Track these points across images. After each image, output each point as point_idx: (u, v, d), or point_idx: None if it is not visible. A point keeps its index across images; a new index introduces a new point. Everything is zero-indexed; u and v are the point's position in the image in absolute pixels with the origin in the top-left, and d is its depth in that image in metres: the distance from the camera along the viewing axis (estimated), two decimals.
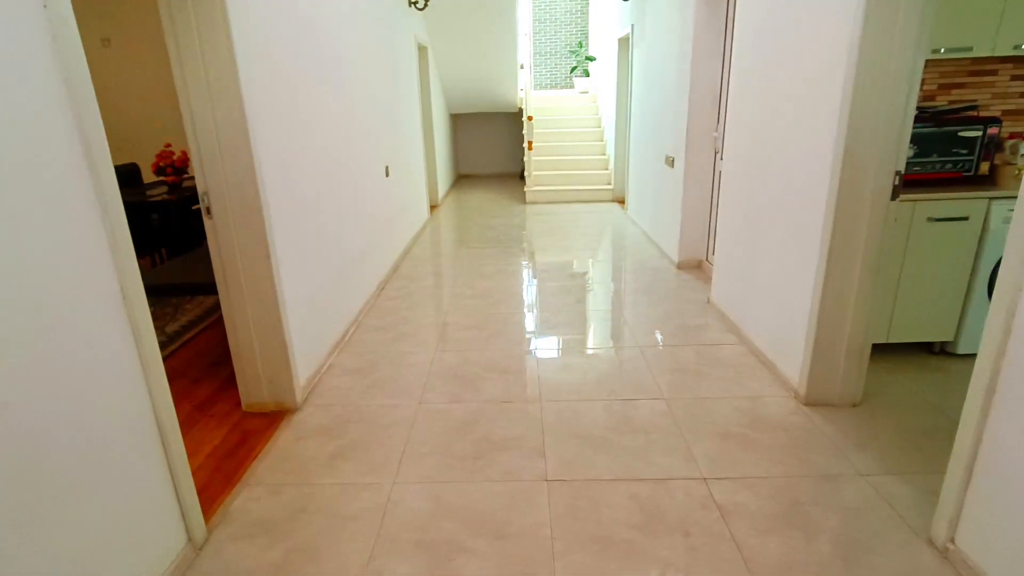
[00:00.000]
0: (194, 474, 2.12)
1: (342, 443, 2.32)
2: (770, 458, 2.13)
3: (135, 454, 1.54)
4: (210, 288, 2.74)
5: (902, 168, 2.12)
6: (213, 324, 3.64)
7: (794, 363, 2.55)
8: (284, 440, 2.36)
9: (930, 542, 1.71)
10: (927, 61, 2.39)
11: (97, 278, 1.41)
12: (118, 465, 1.46)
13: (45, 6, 1.26)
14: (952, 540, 1.64)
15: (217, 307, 3.91)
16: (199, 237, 4.59)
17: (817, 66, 2.30)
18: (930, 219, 2.57)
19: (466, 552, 1.73)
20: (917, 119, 2.44)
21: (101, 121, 1.42)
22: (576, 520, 1.85)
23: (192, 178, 4.89)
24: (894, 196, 2.15)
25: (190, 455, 2.27)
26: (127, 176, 5.17)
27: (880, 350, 2.82)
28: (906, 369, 2.74)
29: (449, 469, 2.13)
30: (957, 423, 1.62)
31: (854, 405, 2.44)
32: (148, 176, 5.36)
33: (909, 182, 2.61)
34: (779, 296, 2.70)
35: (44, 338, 1.24)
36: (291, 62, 2.66)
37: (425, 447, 2.28)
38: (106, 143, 1.43)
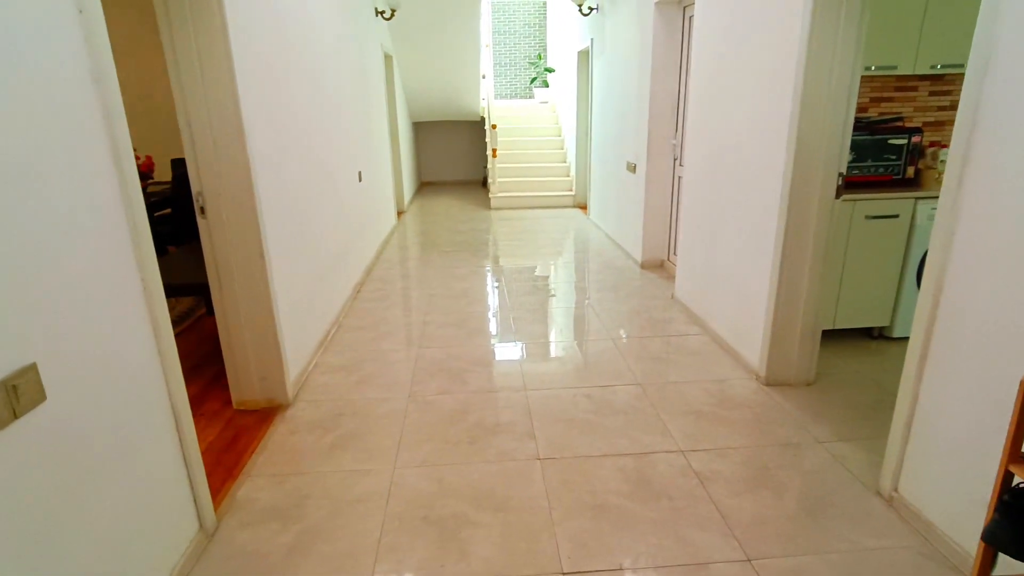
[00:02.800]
0: None
1: (339, 434, 2.42)
2: (738, 431, 2.36)
3: (152, 442, 1.60)
4: (180, 290, 2.77)
5: (844, 170, 2.40)
6: (188, 329, 3.64)
7: (754, 349, 2.80)
8: (280, 434, 2.43)
9: (878, 493, 1.96)
10: (860, 77, 2.70)
11: (122, 271, 1.48)
12: (137, 453, 1.53)
13: (80, 11, 1.35)
14: (896, 489, 1.89)
15: (192, 311, 3.90)
16: (165, 242, 4.54)
17: (768, 79, 2.57)
18: (867, 217, 2.88)
19: (472, 524, 1.87)
20: (854, 128, 2.75)
21: (125, 119, 1.50)
22: (570, 491, 2.01)
23: (158, 183, 4.84)
24: (838, 195, 2.43)
25: None
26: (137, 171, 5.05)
27: (828, 336, 3.11)
28: (851, 352, 3.04)
29: (446, 453, 2.26)
30: (896, 396, 1.88)
31: (808, 384, 2.71)
32: None
33: (848, 184, 2.92)
34: (738, 289, 2.95)
35: (81, 325, 1.32)
36: (281, 68, 2.75)
37: (421, 434, 2.40)
38: (130, 141, 1.51)
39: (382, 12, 5.71)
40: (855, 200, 2.85)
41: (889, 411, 1.96)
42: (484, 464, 2.18)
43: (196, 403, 2.72)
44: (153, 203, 4.38)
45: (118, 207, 1.48)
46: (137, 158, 4.42)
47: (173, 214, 4.48)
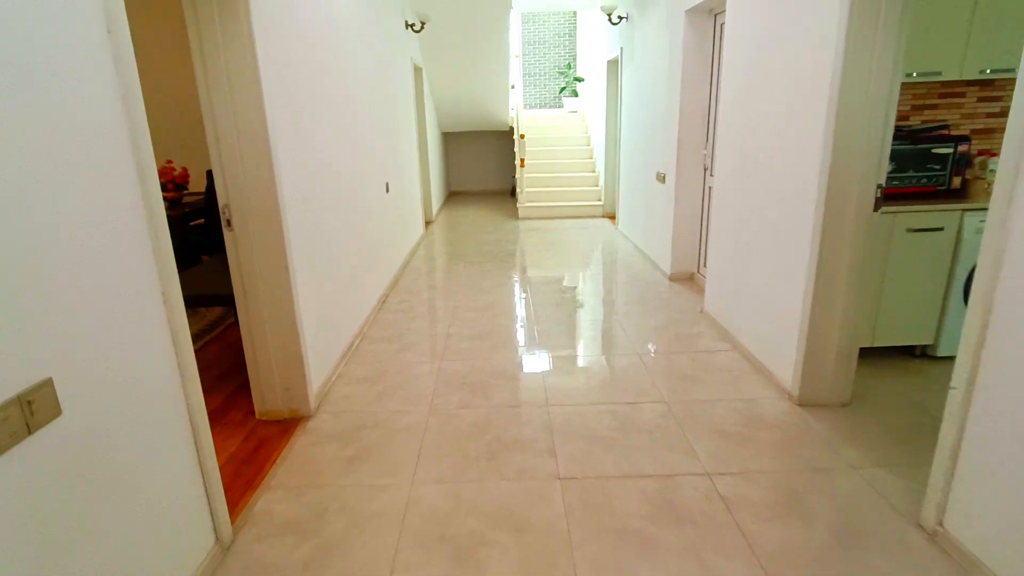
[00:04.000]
0: None
1: (358, 447, 2.40)
2: (768, 454, 2.26)
3: (170, 455, 1.61)
4: (212, 300, 2.82)
5: (883, 182, 2.30)
6: (216, 338, 3.70)
7: (786, 367, 2.69)
8: (300, 445, 2.44)
9: (919, 526, 1.84)
10: (901, 84, 2.58)
11: (143, 285, 1.50)
12: (154, 466, 1.53)
13: (109, 31, 1.37)
14: (940, 523, 1.77)
15: (220, 321, 3.97)
16: (198, 252, 4.65)
17: (803, 88, 2.48)
18: (909, 230, 2.75)
19: (489, 544, 1.83)
20: (894, 137, 2.63)
21: (149, 136, 1.52)
22: (590, 513, 1.95)
23: (193, 194, 4.96)
24: (876, 208, 2.32)
25: None
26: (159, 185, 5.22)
27: (866, 353, 2.97)
28: (890, 371, 2.89)
29: (465, 469, 2.22)
30: (939, 420, 1.77)
31: (844, 405, 2.59)
32: None
33: (888, 195, 2.79)
34: (770, 304, 2.85)
35: (101, 338, 1.33)
36: (308, 81, 2.79)
37: (440, 449, 2.37)
38: (153, 156, 1.53)
39: (412, 25, 5.77)
40: (896, 212, 2.72)
41: (932, 436, 1.84)
42: (503, 482, 2.14)
43: (220, 412, 2.75)
44: (188, 213, 4.49)
45: (140, 221, 1.50)
46: (172, 169, 4.56)
47: (207, 224, 4.58)
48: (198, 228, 4.73)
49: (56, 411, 1.17)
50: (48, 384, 1.15)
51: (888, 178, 2.78)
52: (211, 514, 1.80)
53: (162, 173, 4.56)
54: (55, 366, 1.19)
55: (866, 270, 2.41)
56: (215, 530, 1.82)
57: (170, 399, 1.61)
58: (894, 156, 2.76)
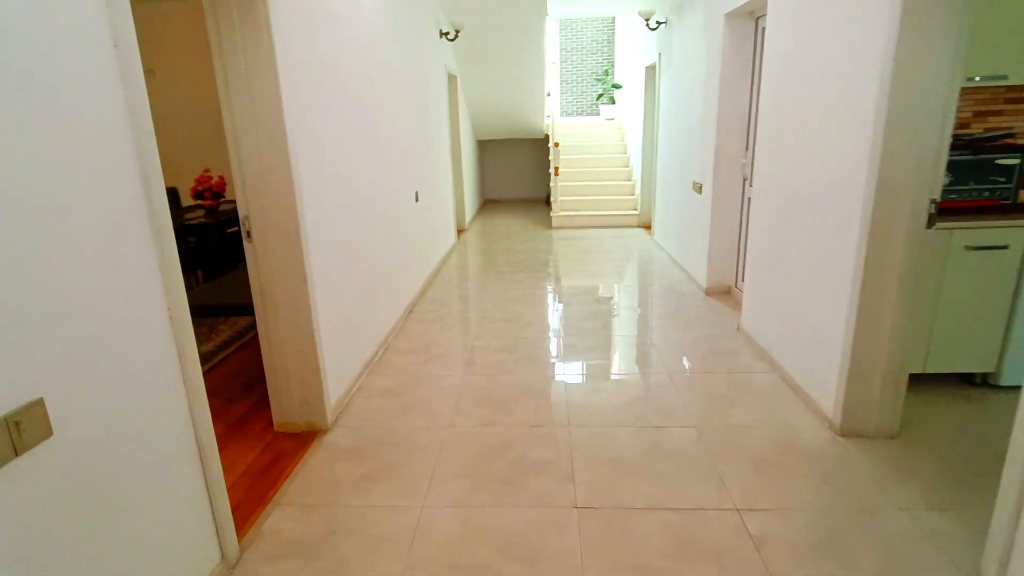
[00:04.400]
0: (228, 493, 2.18)
1: (372, 465, 2.35)
2: (805, 489, 2.09)
3: (175, 471, 1.58)
4: (245, 309, 2.82)
5: (938, 196, 2.11)
6: (246, 345, 3.73)
7: (828, 392, 2.50)
8: (315, 460, 2.40)
9: None
10: (961, 89, 2.38)
11: (146, 300, 1.47)
12: (156, 486, 1.50)
13: (116, 45, 1.35)
14: None
15: (250, 328, 4.01)
16: (235, 260, 4.73)
17: (849, 93, 2.31)
18: (968, 247, 2.53)
19: None
20: (953, 147, 2.42)
21: (157, 150, 1.50)
22: (607, 548, 1.83)
23: (229, 202, 5.06)
24: (930, 224, 2.13)
25: (224, 474, 2.31)
26: (167, 199, 5.38)
27: (917, 380, 2.75)
28: (945, 400, 2.67)
29: (480, 492, 2.14)
30: (1002, 457, 1.58)
31: (891, 437, 2.39)
32: (186, 200, 5.56)
33: (945, 210, 2.57)
34: (812, 324, 2.66)
35: (100, 355, 1.30)
36: (331, 91, 2.77)
37: (456, 469, 2.29)
38: (160, 170, 1.51)
39: (446, 33, 5.77)
40: (952, 228, 2.50)
41: (993, 474, 1.65)
42: (518, 508, 2.04)
43: (242, 423, 2.74)
44: (224, 221, 4.57)
45: (145, 236, 1.47)
46: (210, 177, 4.66)
47: None
48: (235, 235, 4.82)
49: (46, 432, 1.14)
50: (39, 404, 1.12)
51: (945, 191, 2.56)
52: (217, 533, 1.76)
53: (199, 181, 4.66)
54: (48, 386, 1.16)
55: (918, 290, 2.22)
56: (221, 549, 1.78)
57: (175, 418, 1.58)
58: (952, 167, 2.54)
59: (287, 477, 2.30)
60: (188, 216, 4.75)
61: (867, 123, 2.17)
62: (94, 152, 1.29)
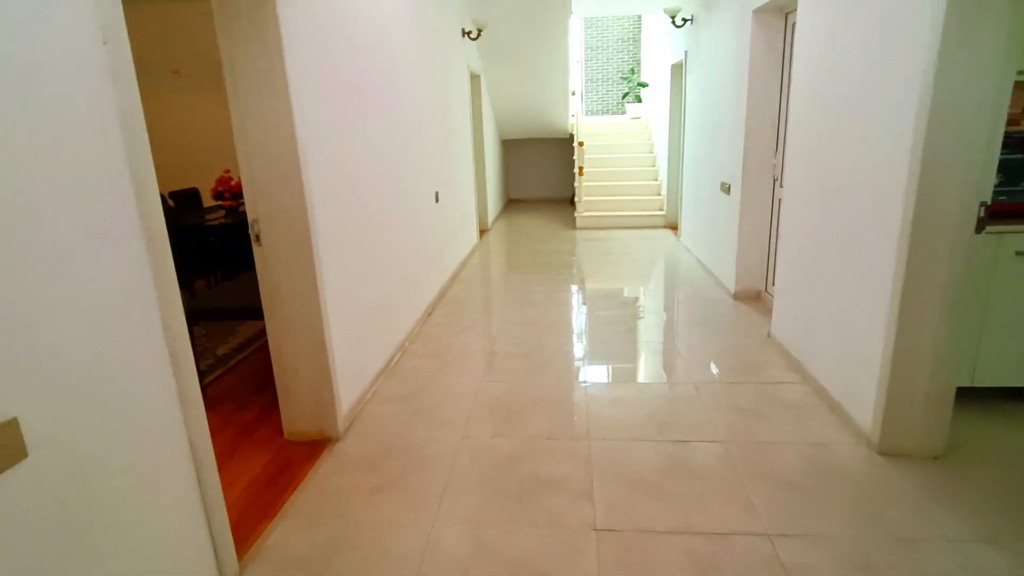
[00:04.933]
0: (233, 504, 2.13)
1: (383, 476, 2.27)
2: (841, 514, 1.94)
3: (169, 490, 1.51)
4: (260, 313, 2.77)
5: (988, 199, 1.94)
6: (263, 346, 3.69)
7: (866, 407, 2.34)
8: (324, 471, 2.33)
9: None
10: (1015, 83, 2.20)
11: (138, 308, 1.41)
12: (152, 498, 1.44)
13: (105, 43, 1.29)
14: None
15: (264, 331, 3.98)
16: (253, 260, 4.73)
17: (889, 89, 2.15)
18: (1018, 252, 2.34)
19: None
20: (1004, 145, 2.24)
21: (150, 152, 1.43)
22: (625, 575, 1.72)
23: None
24: (979, 229, 1.96)
25: (230, 484, 2.27)
26: (188, 200, 5.42)
27: (964, 395, 2.55)
28: (995, 418, 2.47)
29: (492, 509, 2.04)
30: None
31: (935, 457, 2.21)
32: (208, 200, 5.60)
33: (995, 213, 2.39)
34: (847, 332, 2.50)
35: (87, 369, 1.24)
36: (345, 90, 2.70)
37: (468, 483, 2.19)
38: (154, 174, 1.44)
39: (468, 33, 5.69)
40: (1001, 232, 2.32)
41: None
42: (531, 528, 1.94)
43: (250, 429, 2.70)
44: (244, 222, 4.57)
45: (137, 244, 1.40)
46: (231, 178, 4.66)
47: None
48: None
49: (20, 454, 1.08)
50: (12, 425, 1.06)
51: (994, 193, 2.38)
52: (215, 551, 1.70)
53: (220, 182, 4.68)
54: (25, 405, 1.09)
55: (965, 299, 2.05)
56: (218, 567, 1.72)
57: (169, 434, 1.51)
58: (1003, 167, 2.35)
59: (295, 488, 2.23)
60: (209, 216, 4.77)
61: (909, 120, 2.00)
62: (78, 154, 1.23)
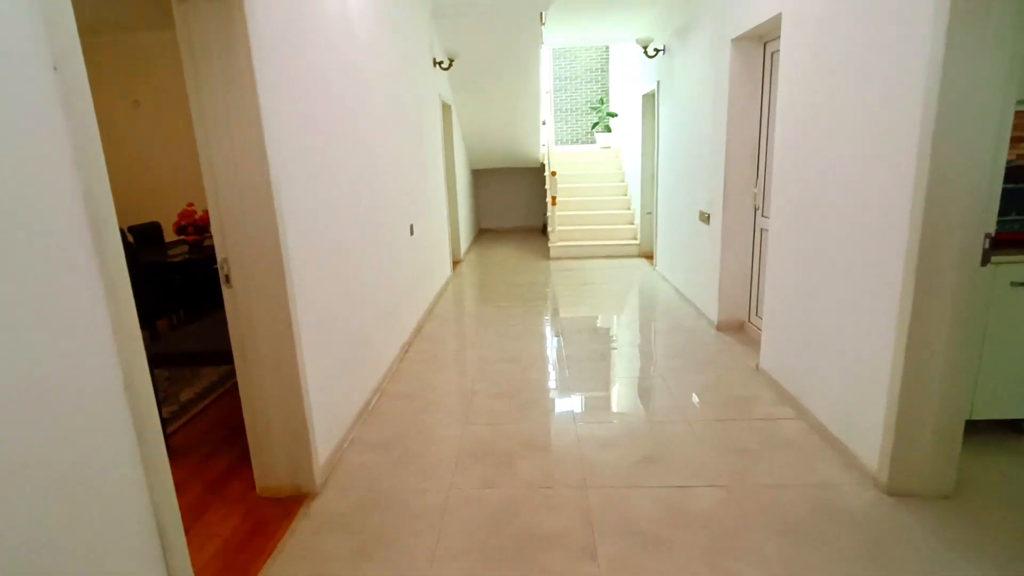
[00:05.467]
0: (201, 573, 1.90)
1: (365, 537, 2.07)
2: (853, 562, 1.84)
3: (134, 563, 1.32)
4: (229, 357, 2.57)
5: (992, 230, 1.91)
6: (230, 390, 3.46)
7: (870, 443, 2.27)
8: (301, 533, 2.12)
9: None
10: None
11: (96, 364, 1.23)
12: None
13: (56, 68, 1.14)
14: None
15: (232, 374, 3.74)
16: (219, 298, 4.48)
17: (882, 118, 2.14)
18: (1013, 283, 2.33)
19: None
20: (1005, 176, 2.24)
21: (109, 188, 1.27)
22: None
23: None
24: (984, 261, 1.93)
25: (198, 549, 2.04)
26: (149, 235, 5.15)
27: (964, 429, 2.52)
28: (998, 452, 2.43)
29: (487, 572, 1.87)
30: None
31: (945, 496, 2.14)
32: (169, 235, 5.33)
33: (995, 242, 2.38)
34: (847, 364, 2.44)
35: (38, 435, 1.06)
36: (319, 123, 2.57)
37: (458, 542, 2.02)
38: (113, 212, 1.28)
39: (440, 63, 5.64)
40: (997, 263, 2.31)
41: None
42: None
43: (219, 483, 2.47)
44: (209, 257, 4.34)
45: (95, 288, 1.23)
46: (194, 212, 4.43)
47: None
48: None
49: None
50: None
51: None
52: None
53: (183, 216, 4.44)
54: None
55: (971, 332, 2.01)
56: None
57: (134, 502, 1.32)
58: (1004, 196, 2.35)
59: (269, 555, 2.02)
60: (171, 252, 4.51)
61: (910, 151, 1.98)
62: (24, 197, 1.06)
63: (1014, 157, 2.67)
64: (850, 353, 2.41)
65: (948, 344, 2.01)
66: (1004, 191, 2.34)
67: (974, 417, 2.45)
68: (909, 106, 1.98)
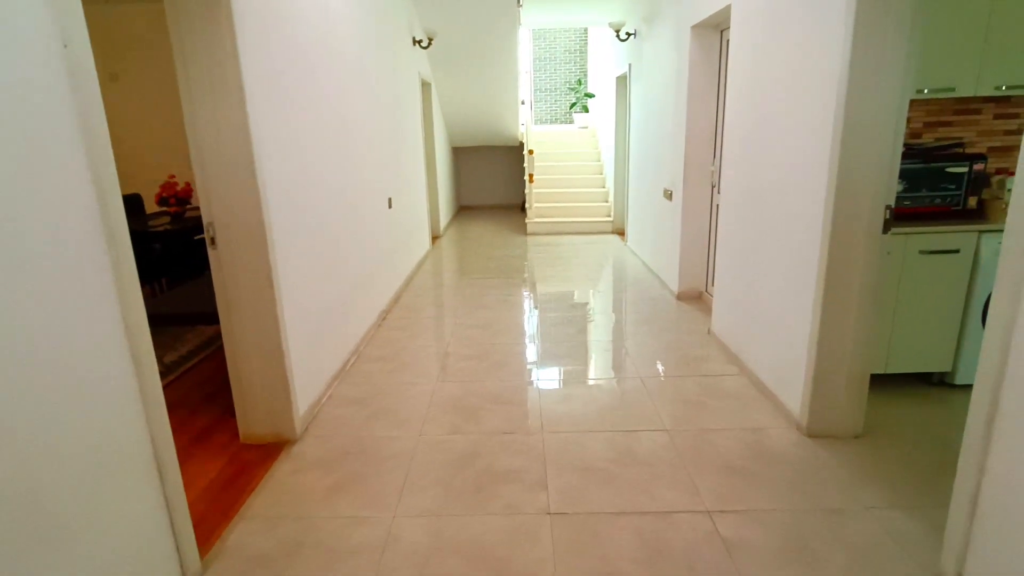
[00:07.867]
0: (191, 506, 2.11)
1: (341, 476, 2.30)
2: (775, 492, 2.12)
3: (132, 488, 1.52)
4: (210, 318, 2.75)
5: (892, 202, 2.17)
6: (212, 354, 3.64)
7: (795, 394, 2.55)
8: (282, 472, 2.34)
9: None
10: (912, 101, 2.46)
11: (99, 309, 1.42)
12: (114, 499, 1.45)
13: (66, 45, 1.31)
14: (960, 574, 1.62)
15: (217, 337, 3.91)
16: (201, 267, 4.63)
17: (807, 104, 2.37)
18: (922, 252, 2.61)
19: None
20: (905, 155, 2.50)
21: (112, 154, 1.45)
22: (579, 556, 1.82)
23: (195, 208, 4.95)
24: (885, 229, 2.19)
25: (187, 487, 2.24)
26: (130, 206, 5.24)
27: (879, 381, 2.82)
28: (906, 400, 2.74)
29: (450, 502, 2.11)
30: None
31: (856, 436, 2.44)
32: (151, 207, 5.43)
33: (900, 215, 2.66)
34: (778, 327, 2.71)
35: (45, 367, 1.25)
36: (298, 96, 2.73)
37: (425, 480, 2.26)
38: (115, 176, 1.46)
39: (420, 41, 5.76)
40: (908, 233, 2.58)
41: (953, 472, 1.69)
42: (488, 517, 2.02)
43: (206, 434, 2.67)
44: (190, 228, 4.47)
45: (98, 244, 1.42)
46: (175, 184, 4.55)
47: None
48: (202, 243, 4.71)
49: None
50: None
51: (899, 198, 2.65)
52: (178, 551, 1.70)
53: (164, 187, 4.56)
54: None
55: (877, 293, 2.28)
56: (181, 566, 1.72)
57: (131, 435, 1.52)
58: (905, 175, 2.63)
59: (253, 490, 2.24)
60: (152, 223, 4.63)
61: (826, 132, 2.22)
62: (37, 157, 1.24)
63: (931, 141, 2.95)
64: (781, 317, 2.68)
65: (858, 305, 2.28)
66: (918, 171, 2.62)
67: (889, 371, 2.76)
68: (827, 94, 2.22)
